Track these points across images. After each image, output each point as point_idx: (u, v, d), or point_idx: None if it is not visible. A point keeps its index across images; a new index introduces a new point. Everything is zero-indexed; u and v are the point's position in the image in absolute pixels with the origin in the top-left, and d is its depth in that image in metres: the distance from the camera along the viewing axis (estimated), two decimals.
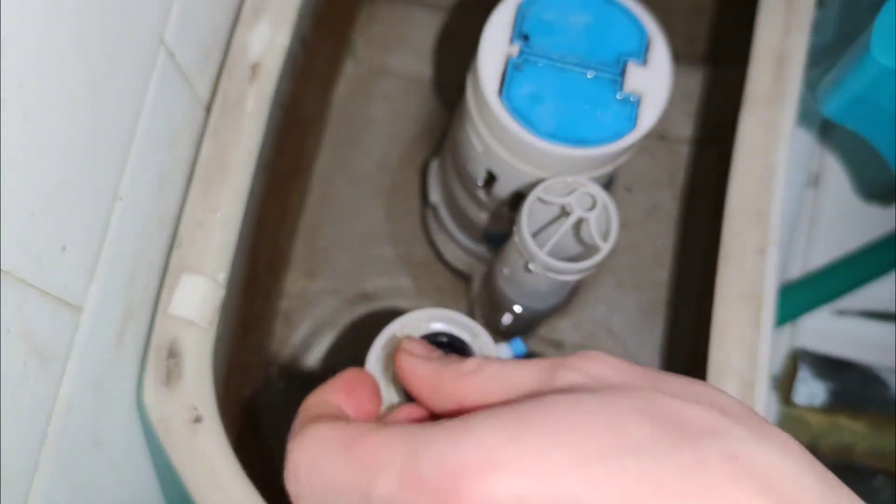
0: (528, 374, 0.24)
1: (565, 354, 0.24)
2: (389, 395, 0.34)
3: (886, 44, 0.35)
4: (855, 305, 0.60)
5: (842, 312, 0.60)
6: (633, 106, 0.36)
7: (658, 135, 0.56)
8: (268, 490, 0.36)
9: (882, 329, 0.60)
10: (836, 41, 0.58)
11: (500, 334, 0.48)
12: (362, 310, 0.53)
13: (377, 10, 0.59)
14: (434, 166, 0.50)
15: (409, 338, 0.30)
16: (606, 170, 0.37)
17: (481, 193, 0.43)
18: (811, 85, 0.50)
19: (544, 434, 0.21)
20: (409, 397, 0.33)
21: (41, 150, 0.26)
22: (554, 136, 0.35)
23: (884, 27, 0.36)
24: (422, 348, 0.28)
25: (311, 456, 0.23)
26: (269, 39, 0.41)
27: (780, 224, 0.40)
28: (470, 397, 0.24)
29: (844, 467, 0.58)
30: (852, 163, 0.61)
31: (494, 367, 0.24)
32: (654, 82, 0.36)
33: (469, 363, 0.25)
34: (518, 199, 0.39)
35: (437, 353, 0.27)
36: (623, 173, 0.54)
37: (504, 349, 0.33)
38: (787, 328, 0.60)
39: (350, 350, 0.52)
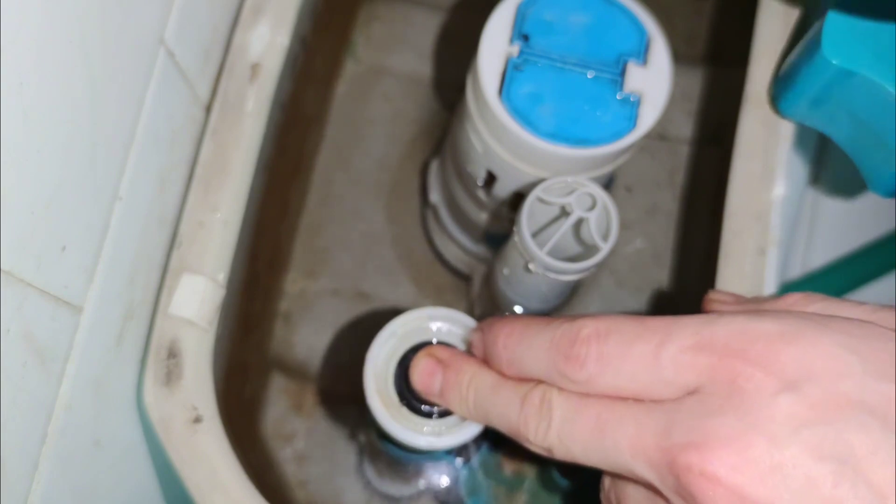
0: (859, 312, 0.25)
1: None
2: (389, 393, 0.34)
3: (838, 43, 0.33)
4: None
5: None
6: (633, 106, 0.36)
7: (658, 135, 0.56)
8: (268, 490, 0.36)
9: None
10: None
11: None
12: (362, 310, 0.53)
13: (377, 10, 0.59)
14: (434, 166, 0.50)
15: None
16: (606, 170, 0.37)
17: (481, 193, 0.43)
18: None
19: (845, 338, 0.22)
20: (407, 398, 0.33)
21: (41, 150, 0.26)
22: (554, 136, 0.35)
23: (834, 25, 0.34)
24: (733, 296, 0.30)
25: (607, 324, 0.25)
26: (269, 39, 0.41)
27: (780, 224, 0.40)
28: None
29: None
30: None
31: (825, 301, 0.26)
32: (654, 82, 0.36)
33: (793, 295, 0.27)
34: (518, 199, 0.39)
35: (745, 298, 0.30)
36: (623, 173, 0.54)
37: None
38: None
39: (350, 350, 0.52)
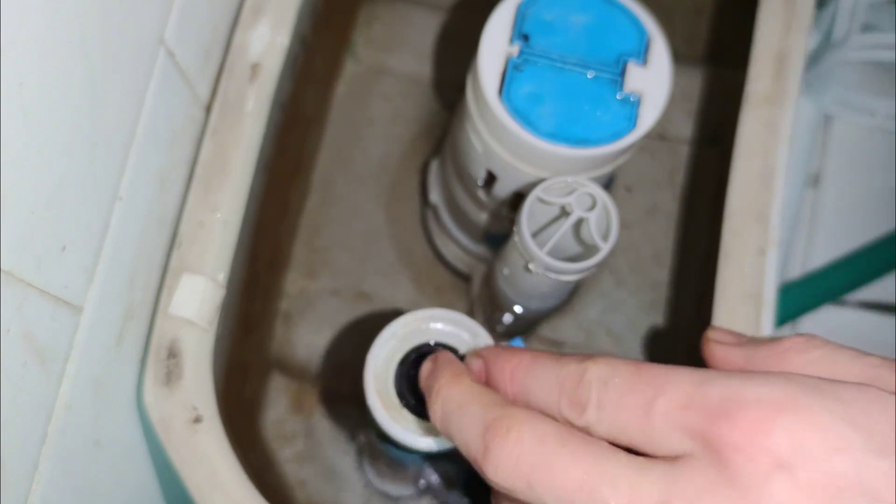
0: (859, 367, 0.24)
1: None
2: (389, 394, 0.34)
3: None
4: (855, 298, 0.60)
5: (843, 303, 0.60)
6: (633, 106, 0.36)
7: (658, 135, 0.56)
8: (268, 490, 0.36)
9: (884, 323, 0.60)
10: (834, 41, 0.58)
11: (501, 334, 0.48)
12: (362, 310, 0.53)
13: (377, 10, 0.59)
14: (434, 166, 0.50)
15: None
16: (606, 170, 0.37)
17: (481, 193, 0.43)
18: (810, 85, 0.49)
19: (842, 408, 0.21)
20: (408, 399, 0.33)
21: (41, 150, 0.26)
22: (554, 136, 0.35)
23: None
24: (731, 336, 0.29)
25: (602, 368, 0.25)
26: (269, 39, 0.41)
27: (780, 224, 0.40)
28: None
29: None
30: (852, 163, 0.61)
31: (824, 349, 0.25)
32: (654, 82, 0.36)
33: (791, 340, 0.26)
34: (518, 199, 0.39)
35: (744, 338, 0.29)
36: (623, 173, 0.54)
37: None
38: (787, 328, 0.60)
39: (350, 350, 0.52)
